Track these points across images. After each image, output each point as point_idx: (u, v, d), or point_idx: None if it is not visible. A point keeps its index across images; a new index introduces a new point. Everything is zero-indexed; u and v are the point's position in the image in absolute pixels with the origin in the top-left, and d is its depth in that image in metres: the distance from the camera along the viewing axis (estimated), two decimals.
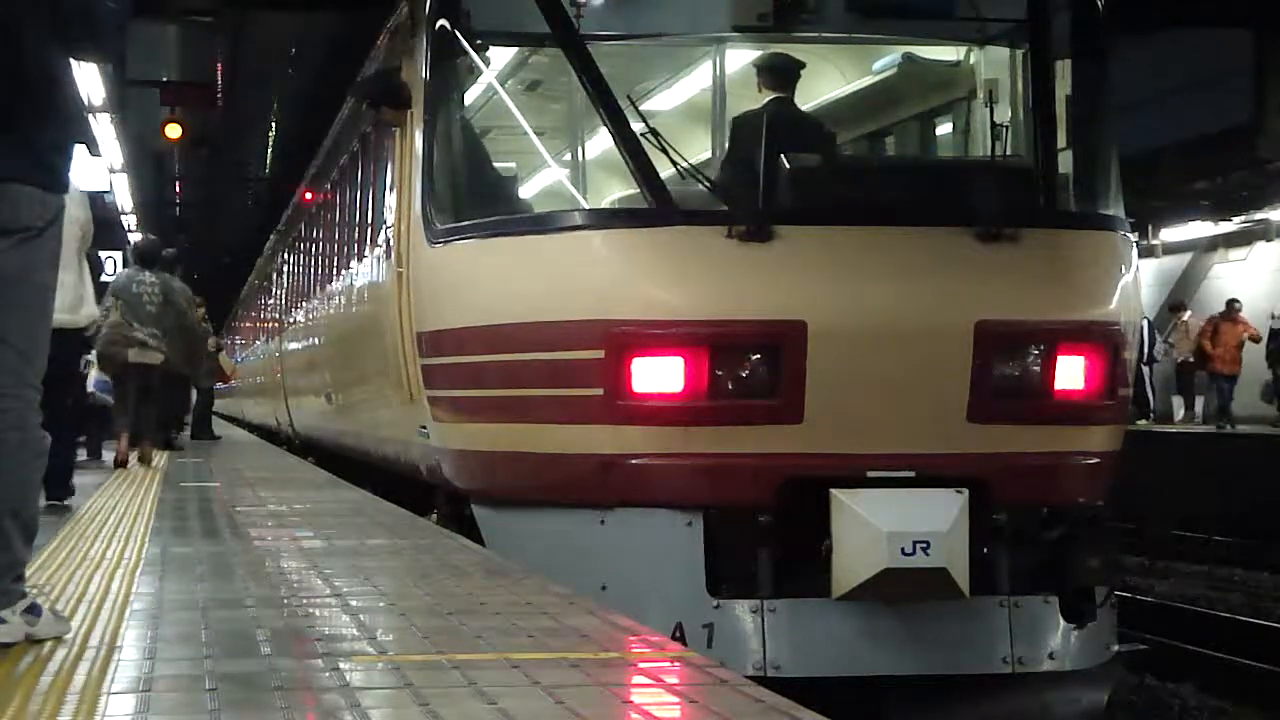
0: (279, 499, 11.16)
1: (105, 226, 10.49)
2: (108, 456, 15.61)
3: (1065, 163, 8.66)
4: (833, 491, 7.50)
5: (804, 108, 9.23)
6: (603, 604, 5.86)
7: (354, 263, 13.85)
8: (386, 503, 10.74)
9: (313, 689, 4.14)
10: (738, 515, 7.67)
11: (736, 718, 3.86)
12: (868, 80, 9.99)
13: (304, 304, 20.33)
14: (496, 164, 9.68)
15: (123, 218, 31.73)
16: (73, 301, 9.70)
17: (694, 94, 10.12)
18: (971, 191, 8.28)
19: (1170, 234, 30.68)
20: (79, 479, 11.06)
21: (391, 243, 10.54)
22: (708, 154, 9.55)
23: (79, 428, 13.67)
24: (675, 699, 4.21)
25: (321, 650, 4.69)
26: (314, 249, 19.84)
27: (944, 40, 9.62)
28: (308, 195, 20.78)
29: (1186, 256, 31.11)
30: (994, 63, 9.35)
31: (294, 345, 21.33)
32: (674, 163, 8.12)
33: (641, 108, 8.62)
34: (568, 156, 9.58)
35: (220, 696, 3.97)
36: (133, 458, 15.01)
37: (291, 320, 22.37)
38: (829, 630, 7.60)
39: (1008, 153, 8.56)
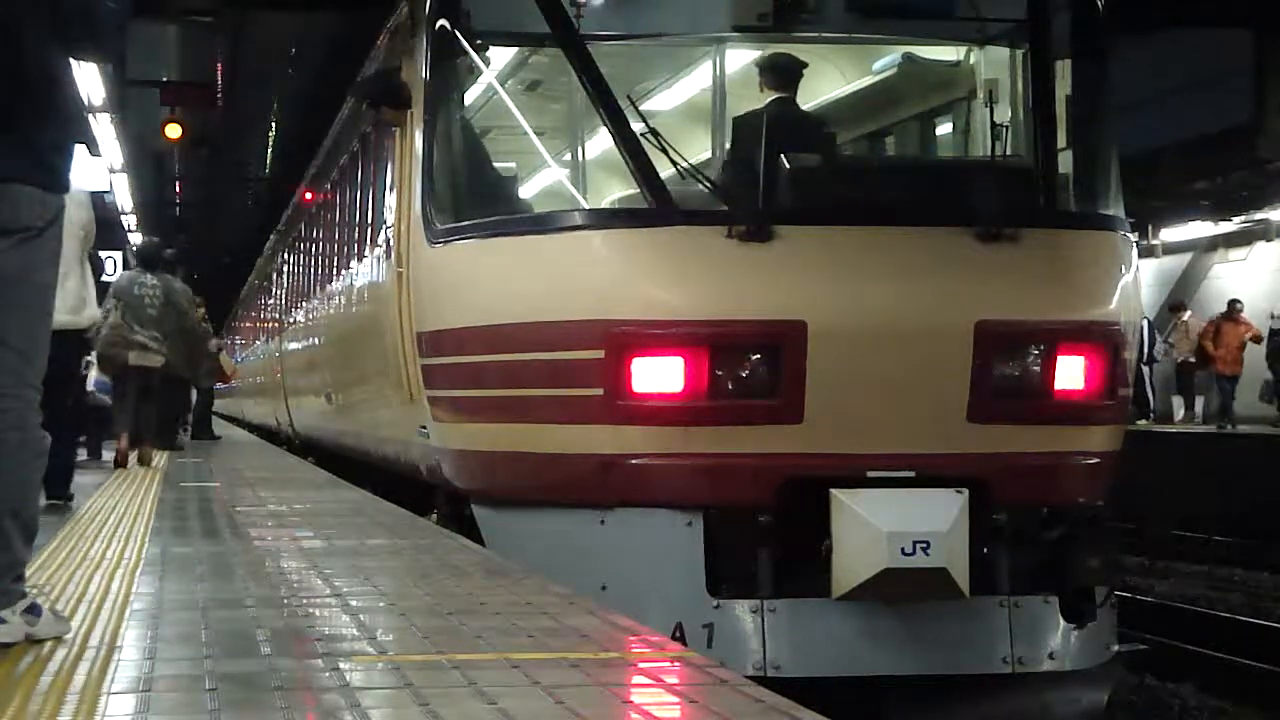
0: (279, 499, 11.16)
1: (105, 226, 10.50)
2: (108, 456, 15.61)
3: (1065, 163, 8.66)
4: (833, 491, 7.50)
5: (804, 108, 9.23)
6: (603, 604, 5.86)
7: (354, 263, 13.85)
8: (386, 503, 10.74)
9: (313, 689, 4.14)
10: (738, 515, 7.67)
11: (736, 718, 3.86)
12: (868, 80, 9.99)
13: (304, 304, 20.33)
14: (496, 164, 9.68)
15: (123, 218, 31.75)
16: (74, 303, 9.71)
17: (694, 94, 10.12)
18: (971, 191, 8.28)
19: (1170, 234, 30.69)
20: (79, 479, 11.05)
21: (391, 243, 10.54)
22: (708, 154, 9.54)
23: (79, 428, 13.67)
24: (675, 699, 4.21)
25: (321, 650, 4.69)
26: (314, 249, 19.84)
27: (944, 40, 9.62)
28: (308, 195, 20.78)
29: (1186, 256, 31.12)
30: (994, 63, 9.35)
31: (294, 345, 21.33)
32: (674, 163, 8.12)
33: (641, 108, 8.62)
34: (568, 156, 9.58)
35: (220, 696, 3.97)
36: (132, 458, 15.02)
37: (291, 320, 22.37)
38: (829, 630, 7.60)
39: (1008, 153, 8.57)
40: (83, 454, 15.27)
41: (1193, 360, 27.56)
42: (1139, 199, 21.39)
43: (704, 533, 7.73)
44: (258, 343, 31.64)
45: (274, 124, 33.26)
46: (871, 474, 7.65)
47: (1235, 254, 30.04)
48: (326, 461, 17.59)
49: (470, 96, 9.49)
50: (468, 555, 7.39)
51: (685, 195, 8.18)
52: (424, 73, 9.26)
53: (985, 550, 7.72)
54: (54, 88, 4.79)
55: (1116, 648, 8.29)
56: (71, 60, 5.03)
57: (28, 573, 4.97)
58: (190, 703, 3.92)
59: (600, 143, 9.15)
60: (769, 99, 8.82)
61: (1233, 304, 26.67)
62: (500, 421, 8.52)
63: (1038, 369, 8.04)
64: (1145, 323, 24.52)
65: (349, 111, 15.54)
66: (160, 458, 16.21)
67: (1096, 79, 8.91)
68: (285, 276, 25.04)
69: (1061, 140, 8.58)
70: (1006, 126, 8.57)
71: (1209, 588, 17.74)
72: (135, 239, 33.40)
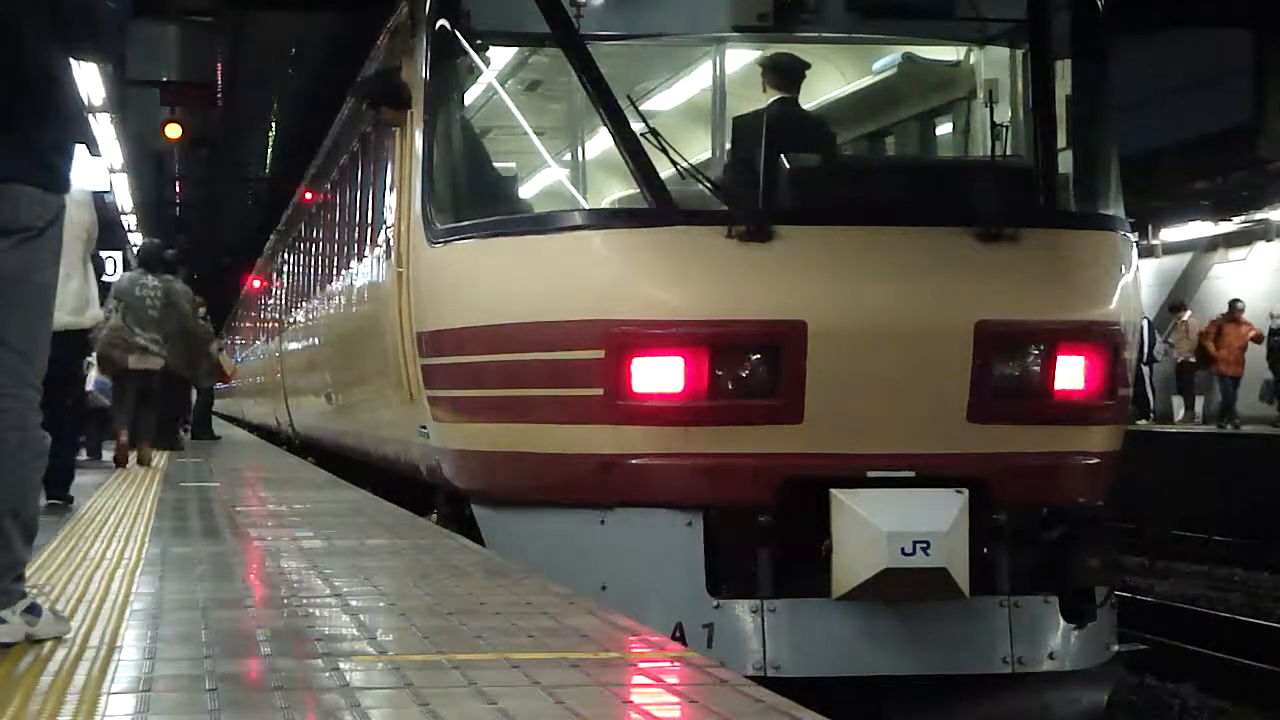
0: (279, 499, 11.16)
1: (105, 227, 10.53)
2: (108, 456, 15.62)
3: (1065, 163, 8.66)
4: (833, 491, 7.50)
5: (805, 108, 9.22)
6: (603, 604, 5.85)
7: (354, 263, 13.86)
8: (386, 503, 10.74)
9: (313, 689, 4.14)
10: (738, 515, 7.67)
11: (736, 718, 3.86)
12: (868, 80, 9.99)
13: (304, 304, 20.34)
14: (496, 164, 9.68)
15: (123, 218, 31.76)
16: (77, 304, 9.73)
17: (694, 94, 10.12)
18: (971, 191, 8.28)
19: (1170, 234, 30.69)
20: (79, 479, 11.05)
21: (391, 243, 10.54)
22: (708, 154, 9.54)
23: (79, 428, 13.67)
24: (675, 699, 4.21)
25: (321, 650, 4.69)
26: (314, 249, 19.84)
27: (944, 40, 9.62)
28: (308, 195, 20.78)
29: (1186, 256, 31.12)
30: (994, 63, 9.35)
31: (294, 345, 21.33)
32: (674, 163, 8.12)
33: (641, 108, 8.61)
34: (568, 156, 9.58)
35: (220, 696, 3.97)
36: (132, 457, 15.02)
37: (291, 320, 22.37)
38: (829, 630, 7.60)
39: (1008, 153, 8.56)
40: (83, 454, 15.27)
41: (1193, 360, 27.55)
42: (1139, 199, 21.39)
43: (704, 533, 7.73)
44: (257, 343, 31.64)
45: (274, 124, 33.27)
46: (871, 474, 7.65)
47: (1235, 254, 30.04)
48: (326, 461, 17.59)
49: (470, 96, 9.49)
50: (468, 555, 7.39)
51: (685, 195, 8.18)
52: (424, 73, 9.26)
53: (985, 550, 7.71)
54: (54, 88, 4.79)
55: (1116, 648, 8.29)
56: (71, 60, 5.03)
57: (28, 573, 4.97)
58: (190, 703, 3.92)
59: (600, 143, 9.15)
60: (772, 99, 8.82)
61: (1234, 304, 26.67)
62: (500, 421, 8.52)
63: (1038, 369, 8.03)
64: (1145, 323, 24.52)
65: (349, 111, 15.54)
66: (160, 458, 16.21)
67: (1096, 79, 8.91)
68: (285, 276, 25.04)
69: (1061, 140, 8.58)
70: (1006, 126, 8.57)
71: (1209, 588, 17.74)
72: (135, 239, 33.45)
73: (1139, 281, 9.02)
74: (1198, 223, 29.64)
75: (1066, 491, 8.14)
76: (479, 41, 8.96)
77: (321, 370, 17.12)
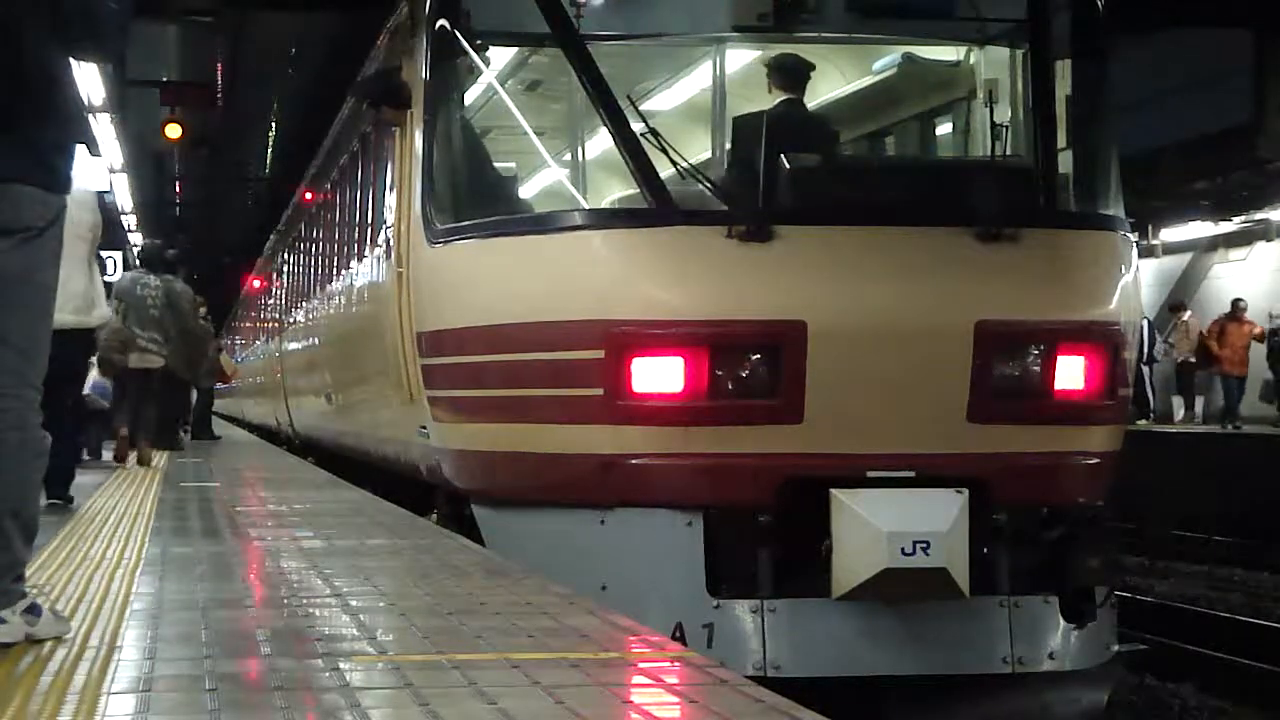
0: (279, 499, 11.16)
1: (105, 227, 10.54)
2: (108, 456, 15.62)
3: (1065, 163, 8.66)
4: (833, 491, 7.50)
5: (809, 108, 9.22)
6: (603, 604, 5.85)
7: (354, 263, 13.86)
8: (386, 503, 10.74)
9: (313, 689, 4.14)
10: (738, 515, 7.67)
11: (736, 718, 3.86)
12: (868, 80, 9.99)
13: (304, 304, 20.34)
14: (496, 164, 9.68)
15: (123, 218, 31.76)
16: (83, 303, 9.76)
17: (694, 94, 10.12)
18: (971, 191, 8.28)
19: (1170, 234, 30.68)
20: (79, 479, 11.05)
21: (391, 243, 10.54)
22: (708, 154, 9.54)
23: (79, 428, 13.68)
24: (675, 699, 4.20)
25: (321, 650, 4.69)
26: (314, 249, 19.85)
27: (944, 40, 9.62)
28: (308, 195, 20.78)
29: (1186, 256, 31.11)
30: (994, 63, 9.35)
31: (294, 345, 21.33)
32: (674, 163, 8.12)
33: (641, 108, 8.61)
34: (568, 156, 9.58)
35: (220, 696, 3.97)
36: (132, 457, 15.03)
37: (291, 320, 22.37)
38: (829, 630, 7.60)
39: (1008, 153, 8.56)
40: (84, 455, 15.27)
41: (1193, 360, 27.55)
42: (1139, 199, 21.38)
43: (704, 533, 7.73)
44: (257, 343, 31.65)
45: (274, 124, 33.28)
46: (871, 474, 7.65)
47: (1235, 254, 30.03)
48: (326, 461, 17.59)
49: (470, 96, 9.49)
50: (468, 555, 7.39)
51: (685, 195, 8.18)
52: (424, 73, 9.26)
53: (985, 550, 7.72)
54: (54, 88, 4.79)
55: (1116, 648, 8.29)
56: (71, 60, 5.03)
57: (28, 573, 4.97)
58: (190, 703, 3.92)
59: (600, 143, 9.15)
60: (777, 100, 8.83)
61: (1236, 303, 26.66)
62: (500, 421, 8.52)
63: (1038, 369, 8.04)
64: (1145, 323, 24.51)
65: (349, 111, 15.54)
66: (160, 458, 16.21)
67: (1096, 79, 8.91)
68: (285, 276, 25.04)
69: (1061, 140, 8.58)
70: (1006, 126, 8.57)
71: (1209, 588, 17.74)
72: (135, 239, 33.46)
73: (1139, 281, 9.02)
74: (1198, 223, 29.63)
75: (1066, 491, 8.14)
76: (479, 41, 8.96)
77: (321, 370, 17.13)
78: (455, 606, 5.61)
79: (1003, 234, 8.02)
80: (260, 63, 26.87)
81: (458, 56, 9.04)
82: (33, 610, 4.74)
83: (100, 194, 11.61)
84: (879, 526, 7.36)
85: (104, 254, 23.16)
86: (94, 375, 15.81)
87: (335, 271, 15.91)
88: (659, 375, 7.80)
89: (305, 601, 5.77)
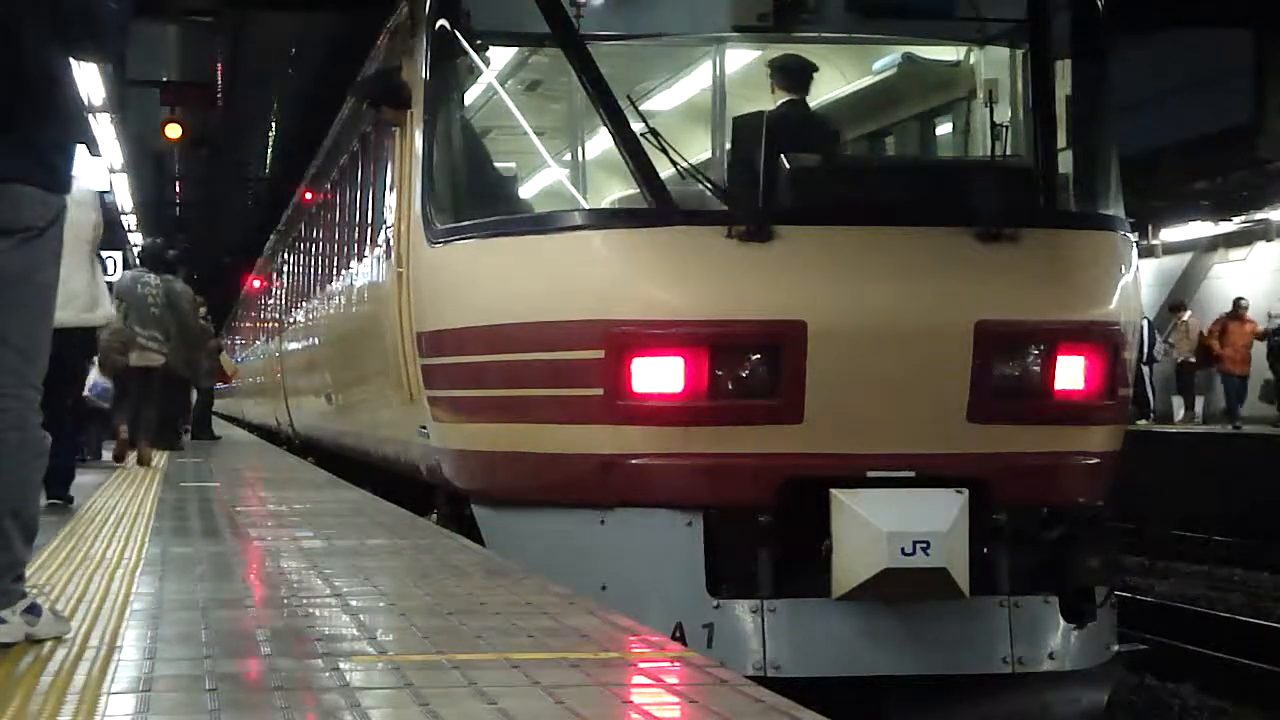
0: (279, 499, 11.16)
1: (105, 227, 10.58)
2: (108, 456, 15.62)
3: (1065, 163, 8.66)
4: (833, 491, 7.50)
5: (811, 109, 9.21)
6: (603, 604, 5.85)
7: (354, 263, 13.86)
8: (386, 503, 10.74)
9: (313, 689, 4.14)
10: (738, 515, 7.67)
11: (736, 718, 3.86)
12: (868, 80, 9.99)
13: (304, 304, 20.34)
14: (496, 164, 9.68)
15: (123, 218, 31.75)
16: (86, 302, 9.79)
17: (694, 94, 10.12)
18: (971, 191, 8.28)
19: (1170, 234, 30.68)
20: (79, 479, 11.05)
21: (391, 243, 10.54)
22: (708, 154, 9.54)
23: (79, 428, 13.68)
24: (675, 699, 4.20)
25: (321, 650, 4.69)
26: (314, 249, 19.85)
27: (944, 40, 9.62)
28: (308, 195, 20.78)
29: (1186, 256, 31.11)
30: (994, 63, 9.35)
31: (294, 345, 21.34)
32: (674, 163, 8.12)
33: (641, 108, 8.61)
34: (568, 156, 9.58)
35: (220, 696, 3.97)
36: (132, 457, 15.03)
37: (291, 320, 22.37)
38: (829, 630, 7.60)
39: (1008, 153, 8.56)
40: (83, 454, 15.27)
41: (1193, 360, 27.55)
42: (1139, 199, 21.38)
43: (704, 533, 7.73)
44: (257, 343, 31.65)
45: (274, 124, 33.27)
46: (871, 474, 7.65)
47: (1235, 254, 30.03)
48: (326, 461, 17.59)
49: (470, 96, 9.49)
50: (468, 555, 7.39)
51: (685, 195, 8.18)
52: (424, 73, 9.26)
53: (985, 550, 7.71)
54: (54, 88, 4.79)
55: (1116, 648, 8.29)
56: (71, 60, 5.03)
57: (28, 573, 4.97)
58: (190, 703, 3.92)
59: (600, 143, 9.15)
60: (781, 100, 8.83)
61: (1238, 302, 26.67)
62: (500, 421, 8.52)
63: (1038, 369, 8.04)
64: (1145, 323, 24.51)
65: (349, 111, 15.54)
66: (160, 458, 16.21)
67: (1096, 79, 8.91)
68: (285, 276, 25.04)
69: (1061, 140, 8.58)
70: (1006, 126, 8.57)
71: (1209, 588, 17.74)
72: (135, 239, 33.46)
73: (1139, 281, 9.02)
74: (1198, 223, 29.63)
75: (1066, 491, 8.14)
76: (479, 41, 8.96)
77: (321, 370, 17.13)
78: (455, 606, 5.61)
79: (1003, 234, 8.02)
80: (260, 63, 26.88)
81: (458, 56, 9.04)
82: (33, 610, 4.74)
83: (100, 194, 11.63)
84: (879, 526, 7.36)
85: (104, 254, 23.19)
86: (94, 375, 15.81)
87: (335, 271, 15.91)
88: (659, 375, 7.80)
89: (305, 601, 5.77)
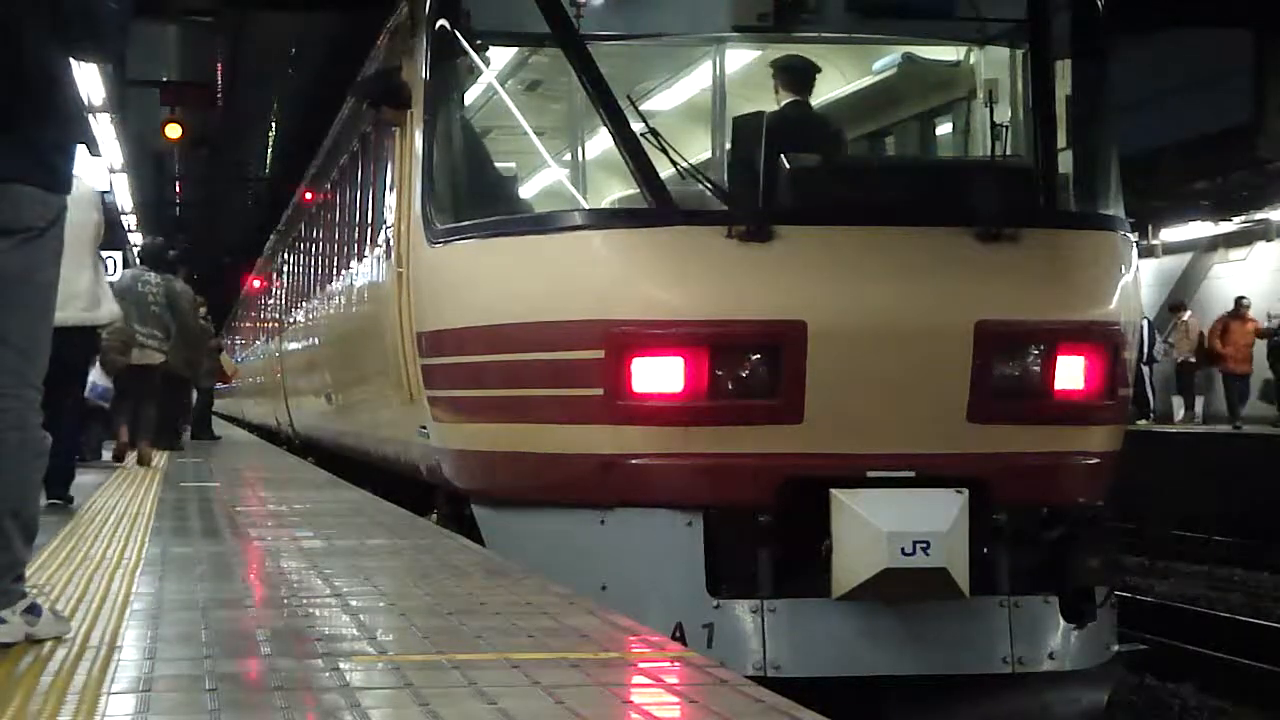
0: (279, 499, 11.16)
1: (106, 226, 10.62)
2: (108, 456, 15.61)
3: (1065, 163, 8.66)
4: (833, 491, 7.50)
5: (813, 109, 9.21)
6: (603, 604, 5.85)
7: (354, 263, 13.86)
8: (386, 503, 10.74)
9: (313, 689, 4.14)
10: (738, 515, 7.67)
11: (736, 718, 3.86)
12: (868, 80, 9.99)
13: (304, 304, 20.34)
14: (496, 164, 9.68)
15: (123, 218, 31.74)
16: (89, 301, 9.82)
17: (694, 94, 10.12)
18: (971, 191, 8.28)
19: (1170, 234, 30.68)
20: (79, 479, 11.04)
21: (391, 243, 10.54)
22: (708, 154, 9.55)
23: (79, 427, 13.68)
24: (675, 699, 4.20)
25: (321, 650, 4.69)
26: (314, 249, 19.85)
27: (944, 40, 9.62)
28: (308, 195, 20.78)
29: (1186, 256, 31.11)
30: (994, 63, 9.35)
31: (294, 345, 21.34)
32: (674, 163, 8.13)
33: (641, 108, 8.62)
34: (568, 156, 9.58)
35: (220, 696, 3.97)
36: (131, 457, 15.03)
37: (291, 320, 22.37)
38: (829, 630, 7.60)
39: (1008, 153, 8.56)
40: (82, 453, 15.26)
41: (1193, 360, 27.55)
42: (1139, 199, 21.38)
43: (704, 533, 7.73)
44: (257, 343, 31.65)
45: (274, 124, 33.27)
46: (871, 474, 7.65)
47: (1235, 254, 30.03)
48: (326, 461, 17.59)
49: (470, 96, 9.49)
50: (468, 555, 7.39)
51: (685, 195, 8.18)
52: (424, 73, 9.26)
53: (985, 550, 7.71)
54: (54, 88, 4.79)
55: (1116, 648, 8.29)
56: (71, 60, 5.03)
57: (28, 573, 4.97)
58: (190, 703, 3.92)
59: (600, 143, 9.15)
60: (785, 101, 8.84)
61: (1240, 301, 26.66)
62: (500, 421, 8.52)
63: (1038, 369, 8.04)
64: (1145, 323, 24.51)
65: (349, 111, 15.54)
66: (160, 458, 16.21)
67: (1096, 79, 8.91)
68: (285, 276, 25.04)
69: (1061, 140, 8.58)
70: (1006, 126, 8.57)
71: (1209, 588, 17.74)
72: (135, 239, 33.46)
73: (1139, 281, 9.02)
74: (1198, 223, 29.63)
75: (1066, 491, 8.14)
76: (479, 41, 8.96)
77: (321, 370, 17.13)
78: (455, 606, 5.61)
79: (1003, 234, 8.02)
80: (260, 63, 26.87)
81: (458, 56, 9.04)
82: (33, 610, 4.74)
83: (100, 194, 11.66)
84: (879, 526, 7.36)
85: (104, 254, 23.19)
86: (94, 375, 15.81)
87: (335, 271, 15.91)
88: (659, 375, 7.80)
89: (305, 601, 5.77)
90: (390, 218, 10.80)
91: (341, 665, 4.44)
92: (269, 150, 36.07)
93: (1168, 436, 24.22)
